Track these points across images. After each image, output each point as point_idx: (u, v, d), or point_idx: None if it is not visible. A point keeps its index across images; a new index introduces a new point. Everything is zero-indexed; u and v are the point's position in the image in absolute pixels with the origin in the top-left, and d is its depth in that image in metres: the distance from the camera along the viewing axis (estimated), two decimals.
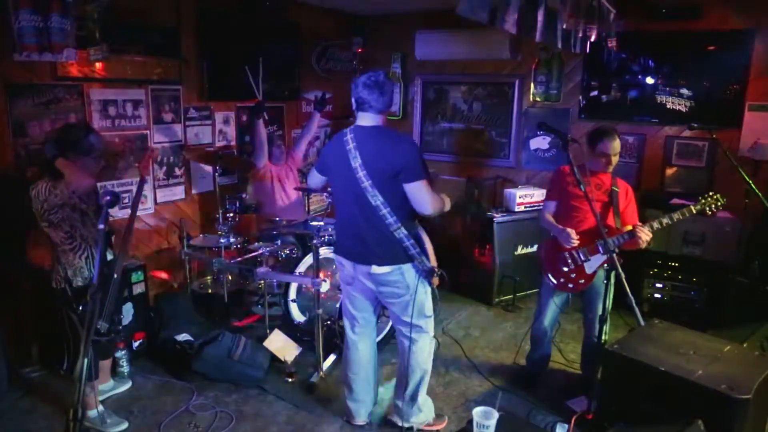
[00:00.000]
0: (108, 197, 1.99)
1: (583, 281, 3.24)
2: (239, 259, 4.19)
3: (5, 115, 3.42)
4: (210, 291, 4.43)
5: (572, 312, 4.64)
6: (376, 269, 2.75)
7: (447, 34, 5.40)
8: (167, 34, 4.27)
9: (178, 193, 4.60)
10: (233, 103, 4.95)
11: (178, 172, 4.58)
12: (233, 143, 5.02)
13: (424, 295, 2.85)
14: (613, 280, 2.86)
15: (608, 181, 3.28)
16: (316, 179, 3.03)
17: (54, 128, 3.54)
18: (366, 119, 2.70)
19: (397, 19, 5.83)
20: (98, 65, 3.84)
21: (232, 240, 4.12)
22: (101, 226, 1.92)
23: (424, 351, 2.96)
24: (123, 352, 3.53)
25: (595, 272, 3.20)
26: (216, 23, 4.61)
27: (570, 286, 3.28)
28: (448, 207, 2.85)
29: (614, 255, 2.70)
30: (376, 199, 2.63)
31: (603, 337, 2.74)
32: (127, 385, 3.47)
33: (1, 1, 2.96)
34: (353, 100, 2.71)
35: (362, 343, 3.06)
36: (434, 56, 5.69)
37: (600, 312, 2.85)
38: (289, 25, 5.26)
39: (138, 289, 3.74)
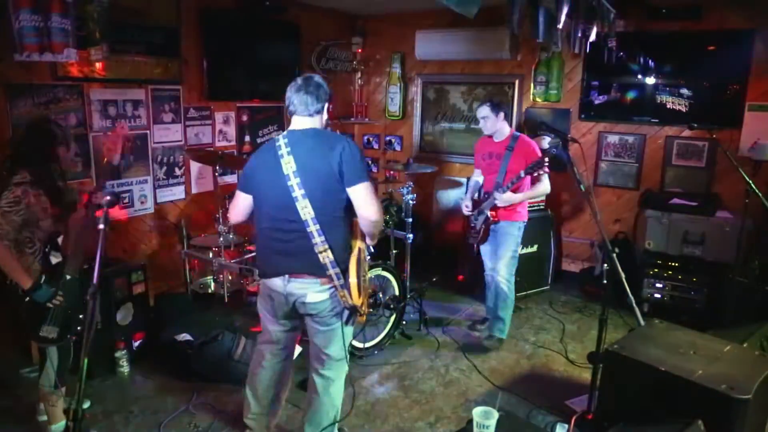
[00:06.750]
0: (107, 197, 1.99)
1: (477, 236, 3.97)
2: (239, 259, 4.18)
3: (5, 115, 3.42)
4: (210, 291, 4.44)
5: (572, 312, 4.66)
6: (312, 297, 2.41)
7: (447, 34, 5.40)
8: (167, 34, 4.27)
9: (178, 193, 4.60)
10: (233, 103, 4.95)
11: (177, 172, 4.58)
12: (233, 143, 5.03)
13: (350, 327, 2.55)
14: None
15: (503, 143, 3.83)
16: (239, 204, 2.53)
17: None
18: (300, 122, 2.42)
19: (397, 19, 5.83)
20: (98, 65, 3.84)
21: (232, 240, 4.12)
22: (101, 227, 1.93)
23: (339, 390, 2.65)
24: (123, 352, 3.53)
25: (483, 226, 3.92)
26: (216, 23, 4.61)
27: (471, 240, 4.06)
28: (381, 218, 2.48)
29: (614, 255, 2.70)
30: (306, 213, 2.30)
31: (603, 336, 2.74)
32: (84, 405, 2.98)
33: (1, 1, 2.95)
34: (286, 104, 2.44)
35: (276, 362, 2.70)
36: (434, 56, 5.70)
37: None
38: (289, 25, 5.27)
39: (138, 289, 3.73)
